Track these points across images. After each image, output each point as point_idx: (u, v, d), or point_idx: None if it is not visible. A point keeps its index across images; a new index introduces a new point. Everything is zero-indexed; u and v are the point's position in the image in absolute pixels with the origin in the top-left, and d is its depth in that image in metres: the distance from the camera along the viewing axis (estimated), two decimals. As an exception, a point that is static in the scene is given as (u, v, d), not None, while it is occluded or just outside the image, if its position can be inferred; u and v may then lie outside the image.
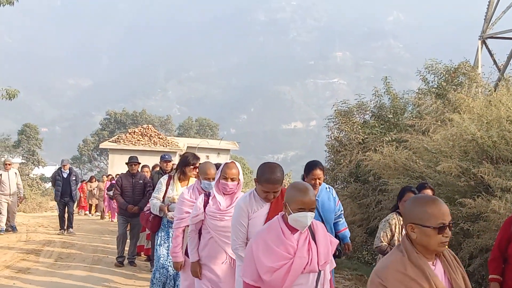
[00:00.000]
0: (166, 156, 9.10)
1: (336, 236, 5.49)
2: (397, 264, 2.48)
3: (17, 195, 13.57)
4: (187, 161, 6.28)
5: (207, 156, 27.81)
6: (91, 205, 22.85)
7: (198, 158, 6.44)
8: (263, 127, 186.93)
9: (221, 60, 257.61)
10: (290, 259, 3.11)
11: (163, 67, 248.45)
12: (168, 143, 28.22)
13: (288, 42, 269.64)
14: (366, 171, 10.69)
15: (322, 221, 5.12)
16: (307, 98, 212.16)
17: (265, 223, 3.78)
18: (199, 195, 4.83)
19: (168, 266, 6.13)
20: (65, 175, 13.65)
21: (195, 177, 6.52)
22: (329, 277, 3.42)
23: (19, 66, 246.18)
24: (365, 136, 11.78)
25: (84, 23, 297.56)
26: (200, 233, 4.64)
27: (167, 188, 6.43)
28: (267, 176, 3.77)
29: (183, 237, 5.01)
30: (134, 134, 28.26)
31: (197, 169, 6.51)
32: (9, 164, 13.52)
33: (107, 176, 21.58)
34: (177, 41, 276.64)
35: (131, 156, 9.95)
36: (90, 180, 23.16)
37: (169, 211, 6.27)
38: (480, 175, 7.06)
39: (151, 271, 8.69)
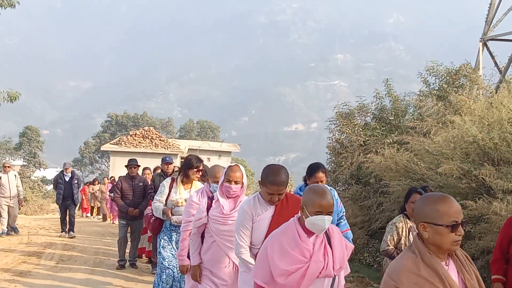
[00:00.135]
0: (167, 158, 9.07)
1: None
2: (410, 266, 2.43)
3: (18, 197, 13.56)
4: (191, 163, 6.21)
5: (208, 159, 27.79)
6: (93, 207, 22.87)
7: (201, 161, 6.38)
8: (264, 129, 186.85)
9: (222, 62, 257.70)
10: (306, 262, 3.07)
11: (164, 69, 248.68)
12: (169, 145, 28.21)
13: (289, 44, 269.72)
14: (367, 173, 10.69)
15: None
16: (308, 100, 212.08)
17: (269, 227, 3.74)
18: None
19: (174, 267, 6.06)
20: (67, 179, 13.62)
21: (198, 180, 6.51)
22: (343, 282, 3.37)
23: (20, 68, 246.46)
24: (366, 138, 11.78)
25: (85, 25, 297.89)
26: (203, 237, 4.60)
27: (170, 191, 6.35)
28: (272, 178, 3.72)
29: None
30: (136, 136, 28.25)
31: (200, 172, 6.49)
32: (8, 167, 13.49)
33: (109, 178, 21.58)
34: (178, 43, 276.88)
35: (130, 159, 9.94)
36: (93, 183, 23.20)
37: (172, 214, 6.19)
38: (482, 177, 7.06)
39: (153, 274, 8.72)
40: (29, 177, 39.57)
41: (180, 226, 6.22)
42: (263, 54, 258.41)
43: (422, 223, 2.48)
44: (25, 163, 47.68)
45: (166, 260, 6.12)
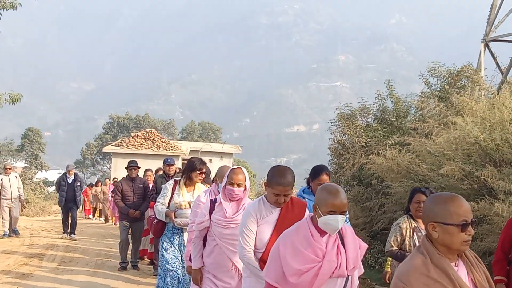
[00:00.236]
0: (169, 160, 9.07)
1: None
2: (419, 267, 2.39)
3: (19, 199, 13.55)
4: (194, 166, 6.16)
5: (210, 160, 27.79)
6: (96, 208, 22.88)
7: (204, 163, 6.35)
8: (266, 131, 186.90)
9: (224, 64, 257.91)
10: (319, 262, 3.03)
11: (166, 71, 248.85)
12: (171, 146, 28.23)
13: (291, 45, 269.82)
14: (369, 174, 10.67)
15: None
16: (310, 102, 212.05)
17: (273, 231, 3.71)
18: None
19: (178, 269, 6.02)
20: (69, 181, 13.64)
21: (200, 182, 6.49)
22: (357, 282, 3.32)
23: (23, 70, 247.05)
24: (368, 140, 11.76)
25: (88, 27, 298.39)
26: (205, 240, 4.55)
27: (172, 193, 6.28)
28: (278, 179, 3.68)
29: None
30: (137, 138, 28.28)
31: (203, 174, 6.47)
32: (9, 169, 13.48)
33: (112, 180, 21.59)
34: (180, 45, 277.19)
35: (130, 161, 9.93)
36: (96, 184, 23.23)
37: (175, 217, 6.13)
38: (483, 178, 7.05)
39: (154, 275, 8.72)
40: (31, 179, 39.63)
41: (182, 228, 6.21)
42: (265, 55, 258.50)
43: (431, 223, 2.45)
44: (27, 165, 47.82)
45: (170, 262, 6.07)
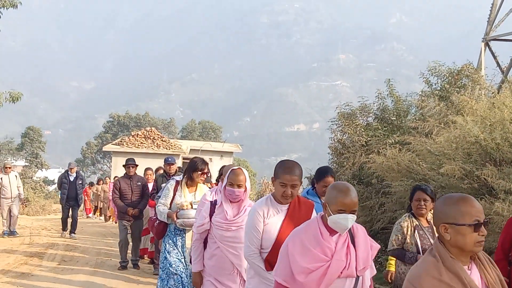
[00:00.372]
0: (170, 159, 9.03)
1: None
2: (431, 270, 2.34)
3: (19, 197, 13.53)
4: (196, 166, 6.03)
5: (210, 159, 27.79)
6: (97, 207, 22.88)
7: (206, 164, 6.22)
8: (266, 130, 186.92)
9: (224, 63, 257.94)
10: (327, 261, 2.98)
11: (166, 70, 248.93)
12: (171, 145, 28.20)
13: (291, 44, 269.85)
14: (369, 173, 10.66)
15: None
16: (310, 101, 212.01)
17: (280, 231, 3.63)
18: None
19: (182, 272, 5.92)
20: (71, 179, 13.62)
21: (202, 183, 6.43)
22: (369, 283, 3.26)
23: (23, 69, 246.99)
24: (368, 139, 11.75)
25: (88, 26, 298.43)
26: (206, 242, 4.47)
27: (174, 194, 6.15)
28: (285, 169, 3.61)
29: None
30: (137, 136, 28.24)
31: (205, 175, 6.41)
32: (9, 167, 13.47)
33: (114, 178, 21.57)
34: (180, 44, 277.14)
35: (128, 158, 9.91)
36: (98, 183, 23.25)
37: (177, 218, 5.99)
38: (484, 178, 7.04)
39: (155, 274, 8.71)
40: (31, 178, 39.62)
41: (185, 229, 6.16)
42: (265, 54, 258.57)
43: (443, 225, 2.40)
44: (27, 164, 47.81)
45: (173, 266, 5.95)
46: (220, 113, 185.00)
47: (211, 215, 4.41)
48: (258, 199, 19.96)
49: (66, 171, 13.92)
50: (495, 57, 14.93)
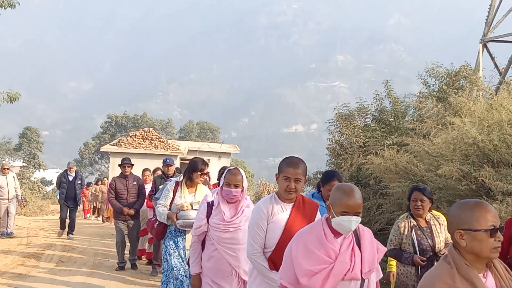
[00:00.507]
0: (168, 160, 9.00)
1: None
2: (445, 277, 2.28)
3: (16, 198, 13.47)
4: (196, 166, 5.96)
5: (208, 160, 27.76)
6: (95, 207, 22.85)
7: (206, 164, 6.17)
8: (264, 131, 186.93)
9: (223, 64, 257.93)
10: (331, 263, 2.93)
11: (164, 71, 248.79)
12: (169, 146, 28.16)
13: (290, 45, 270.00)
14: (367, 174, 10.66)
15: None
16: (308, 102, 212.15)
17: (284, 229, 3.58)
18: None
19: (184, 276, 5.83)
20: (70, 178, 13.54)
21: (202, 183, 6.39)
22: (375, 286, 3.21)
23: (21, 69, 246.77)
24: (366, 140, 11.76)
25: (86, 27, 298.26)
26: (204, 244, 4.43)
27: (174, 194, 6.08)
28: (288, 163, 3.58)
29: None
30: (135, 137, 28.20)
31: (205, 175, 6.37)
32: (7, 168, 13.41)
33: (113, 178, 21.57)
34: (179, 44, 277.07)
35: (123, 158, 9.89)
36: (97, 183, 23.21)
37: (177, 219, 5.92)
38: (481, 179, 7.04)
39: (152, 275, 8.71)
40: (29, 178, 39.59)
41: (185, 230, 6.11)
42: (263, 55, 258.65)
43: (458, 231, 2.34)
44: (24, 164, 47.76)
45: (175, 269, 5.88)
46: (218, 113, 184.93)
47: (208, 217, 4.37)
48: (256, 200, 19.92)
49: (65, 171, 13.85)
50: (493, 59, 14.93)
